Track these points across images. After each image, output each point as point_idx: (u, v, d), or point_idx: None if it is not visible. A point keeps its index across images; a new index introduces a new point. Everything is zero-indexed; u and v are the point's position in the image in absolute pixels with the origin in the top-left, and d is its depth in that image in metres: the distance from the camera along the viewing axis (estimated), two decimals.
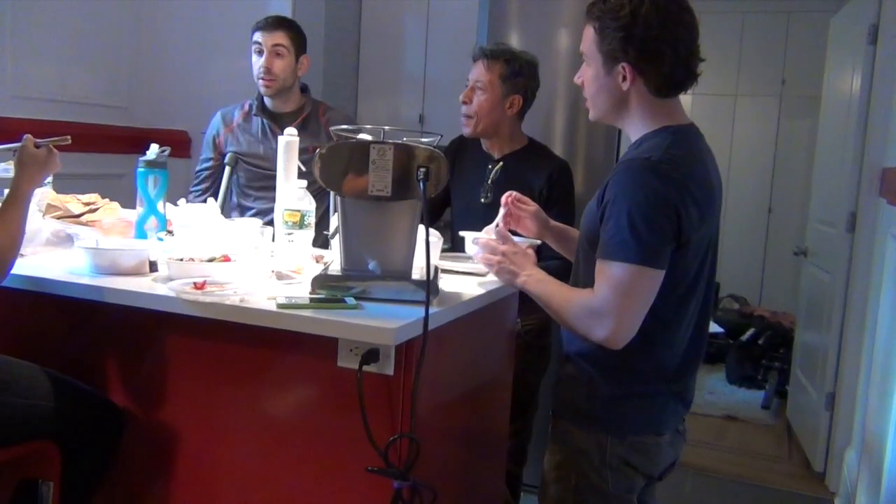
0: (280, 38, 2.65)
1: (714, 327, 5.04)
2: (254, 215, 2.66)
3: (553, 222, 1.85)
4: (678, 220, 1.40)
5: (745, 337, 5.14)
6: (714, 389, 4.75)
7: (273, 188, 2.02)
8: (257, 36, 2.66)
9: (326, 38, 3.88)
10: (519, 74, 2.38)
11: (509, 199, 1.80)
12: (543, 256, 2.21)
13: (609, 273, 1.41)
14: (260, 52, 2.65)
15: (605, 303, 1.41)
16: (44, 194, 2.04)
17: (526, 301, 2.15)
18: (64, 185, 2.23)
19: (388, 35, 4.12)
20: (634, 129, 1.54)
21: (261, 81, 2.65)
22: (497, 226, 1.75)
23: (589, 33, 1.51)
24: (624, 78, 1.47)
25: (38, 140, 1.68)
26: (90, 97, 3.54)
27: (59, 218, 2.04)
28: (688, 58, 1.48)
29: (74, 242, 1.83)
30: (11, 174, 1.73)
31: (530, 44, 3.29)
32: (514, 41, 3.39)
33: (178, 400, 1.64)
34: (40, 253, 1.87)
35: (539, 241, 1.83)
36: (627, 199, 1.41)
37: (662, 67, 1.46)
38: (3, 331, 1.74)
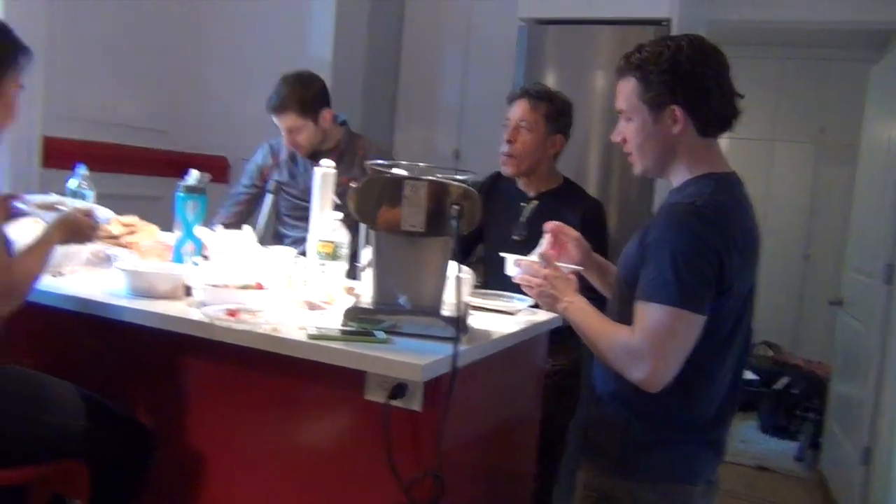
0: (291, 119, 2.61)
1: (748, 374, 4.95)
2: (291, 243, 2.69)
3: (595, 254, 1.85)
4: (720, 266, 1.40)
5: (778, 385, 5.04)
6: (746, 438, 4.65)
7: (308, 221, 2.04)
8: (273, 118, 2.64)
9: (366, 68, 3.94)
10: (562, 114, 2.41)
11: (553, 226, 1.80)
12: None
13: (648, 314, 1.40)
14: (282, 131, 2.67)
15: (644, 344, 1.40)
16: None
17: (556, 341, 2.15)
18: (105, 204, 2.27)
19: (427, 68, 4.17)
20: (679, 174, 1.54)
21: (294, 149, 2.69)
22: (541, 250, 1.75)
23: (628, 86, 1.52)
24: (674, 121, 1.48)
25: (96, 215, 1.74)
26: (133, 120, 3.62)
27: (99, 239, 2.08)
28: (731, 93, 1.50)
29: (113, 263, 1.87)
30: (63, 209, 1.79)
31: (566, 81, 3.32)
32: (550, 79, 3.42)
33: (206, 424, 1.66)
34: (80, 272, 1.91)
35: (581, 268, 1.82)
36: (671, 242, 1.40)
37: (711, 104, 1.47)
38: (40, 348, 1.77)
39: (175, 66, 3.81)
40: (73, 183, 2.21)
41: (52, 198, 1.97)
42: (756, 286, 1.55)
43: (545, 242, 1.78)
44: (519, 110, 2.42)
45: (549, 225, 1.80)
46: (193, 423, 1.66)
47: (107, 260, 1.93)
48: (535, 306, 2.07)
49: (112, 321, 1.62)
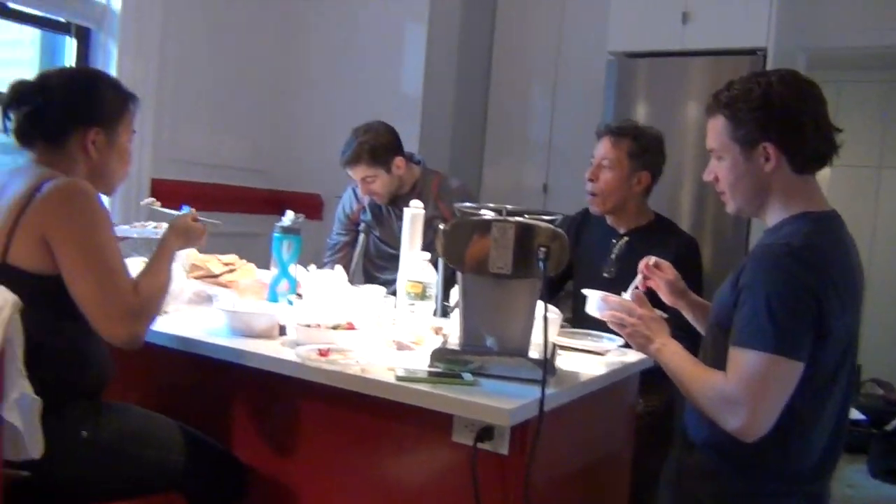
0: (363, 170, 2.70)
1: (856, 414, 4.68)
2: (381, 283, 2.75)
3: (691, 293, 1.80)
4: (818, 309, 1.34)
5: (890, 426, 4.74)
6: (854, 482, 4.38)
7: (394, 263, 2.08)
8: (346, 170, 2.74)
9: (455, 104, 4.00)
10: (646, 151, 2.37)
11: (647, 264, 1.78)
12: None
13: (743, 361, 1.36)
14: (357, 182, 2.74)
15: (739, 392, 1.35)
16: (188, 255, 2.19)
17: (648, 381, 2.10)
18: (208, 242, 2.38)
19: (515, 103, 4.19)
20: (773, 214, 1.49)
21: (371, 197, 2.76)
22: (635, 289, 1.72)
23: (718, 124, 1.49)
24: (767, 159, 1.44)
25: (197, 215, 1.82)
26: (234, 161, 3.79)
27: (200, 278, 2.18)
28: (827, 128, 1.45)
29: (213, 303, 1.95)
30: (159, 235, 1.88)
31: (657, 115, 3.28)
32: (641, 112, 3.39)
33: (298, 460, 1.70)
34: (183, 311, 2.00)
35: (668, 315, 1.77)
36: (765, 285, 1.36)
37: (806, 141, 1.43)
38: (142, 384, 1.86)
39: (272, 109, 3.97)
40: None
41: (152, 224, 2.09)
42: (860, 325, 1.48)
43: (638, 281, 1.75)
44: (602, 148, 2.40)
45: (644, 262, 1.77)
46: (286, 459, 1.71)
47: (208, 299, 2.01)
48: (626, 346, 2.04)
49: (211, 359, 1.69)
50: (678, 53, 3.33)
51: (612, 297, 1.67)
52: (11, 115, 1.61)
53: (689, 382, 1.46)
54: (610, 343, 1.96)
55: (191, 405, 1.81)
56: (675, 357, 1.51)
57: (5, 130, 1.62)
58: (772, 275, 1.37)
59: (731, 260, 2.98)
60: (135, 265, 1.70)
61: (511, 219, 1.54)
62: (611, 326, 1.66)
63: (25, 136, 1.62)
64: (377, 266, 2.85)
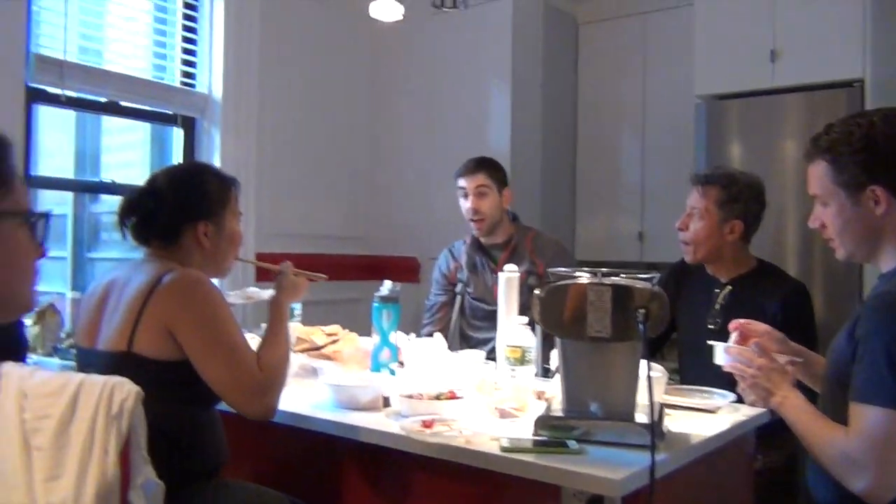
0: (481, 179, 2.78)
1: None
2: (476, 345, 2.76)
3: (792, 343, 1.73)
4: None
5: None
6: None
7: (491, 320, 2.09)
8: (461, 181, 2.81)
9: (543, 157, 4.02)
10: (736, 200, 2.28)
11: (736, 325, 1.72)
12: None
13: (865, 418, 1.29)
14: (465, 196, 2.79)
15: (862, 452, 1.28)
16: (293, 329, 2.26)
17: (767, 434, 2.00)
18: (311, 310, 2.47)
19: (605, 152, 4.17)
20: (887, 259, 1.42)
21: (472, 224, 2.79)
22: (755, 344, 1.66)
23: (818, 170, 1.45)
24: (876, 202, 1.39)
25: (297, 269, 1.90)
26: (332, 230, 3.92)
27: (304, 350, 2.24)
28: None
29: (319, 376, 2.00)
30: (263, 295, 1.96)
31: (752, 156, 3.19)
32: (734, 154, 3.30)
33: None
34: (290, 384, 2.06)
35: (801, 359, 1.70)
36: (883, 336, 1.30)
37: None
38: (254, 460, 1.92)
39: (365, 177, 4.10)
40: None
41: (249, 289, 2.19)
42: None
43: (732, 340, 1.69)
44: (692, 197, 2.36)
45: (733, 324, 1.72)
46: None
47: (313, 372, 2.07)
48: (739, 401, 1.96)
49: (319, 432, 1.73)
50: (770, 92, 3.25)
51: (734, 348, 1.62)
52: (127, 223, 1.74)
53: (812, 440, 1.40)
54: (721, 399, 1.89)
55: (299, 477, 1.85)
56: (795, 412, 1.45)
57: (123, 237, 1.75)
58: (889, 325, 1.30)
59: (845, 307, 2.83)
60: (252, 341, 1.78)
61: (607, 281, 1.53)
62: (736, 377, 1.61)
63: (142, 237, 1.74)
64: (473, 326, 2.87)
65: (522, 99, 3.91)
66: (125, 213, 1.74)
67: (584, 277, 1.56)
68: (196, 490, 1.59)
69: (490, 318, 2.51)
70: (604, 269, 1.55)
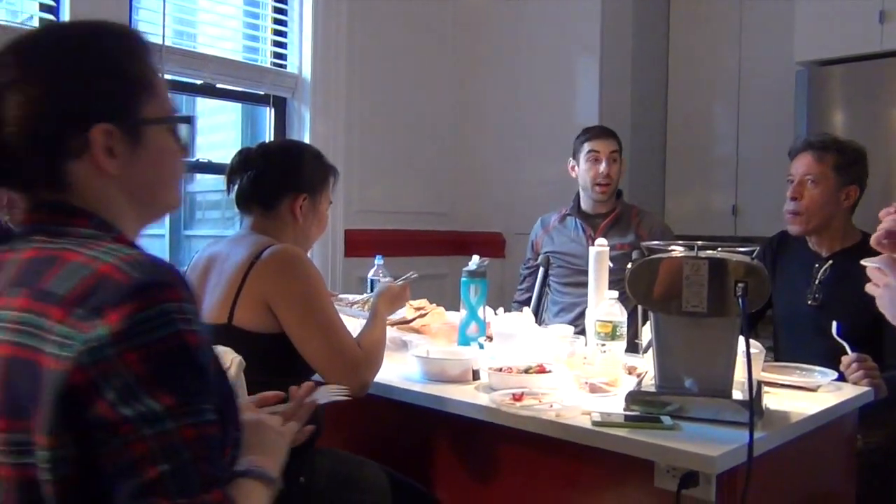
0: (614, 144, 2.83)
1: None
2: (560, 311, 2.78)
3: None
4: None
5: None
6: None
7: (583, 284, 2.10)
8: (594, 145, 2.82)
9: (633, 131, 3.92)
10: (854, 163, 2.20)
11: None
12: (886, 366, 1.97)
13: None
14: (597, 160, 2.80)
15: None
16: None
17: (868, 414, 1.92)
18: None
19: (697, 124, 4.04)
20: None
21: (597, 187, 2.80)
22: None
23: None
24: None
25: (396, 280, 2.00)
26: (419, 207, 3.95)
27: (394, 325, 2.28)
28: None
29: (409, 349, 2.03)
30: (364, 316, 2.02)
31: (857, 124, 3.04)
32: (838, 122, 3.15)
33: (493, 501, 1.71)
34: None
35: None
36: None
37: None
38: (350, 430, 1.97)
39: (451, 153, 4.11)
40: (371, 272, 2.56)
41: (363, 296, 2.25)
42: None
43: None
44: (803, 164, 2.25)
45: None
46: (483, 501, 1.73)
47: (403, 345, 2.10)
48: (841, 379, 1.88)
49: (410, 404, 1.76)
50: (877, 56, 3.07)
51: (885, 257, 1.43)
52: (236, 181, 1.82)
53: None
54: (822, 378, 1.82)
55: (390, 447, 1.89)
56: None
57: (229, 193, 1.83)
58: None
59: None
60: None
61: (703, 254, 1.49)
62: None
63: (245, 199, 1.82)
64: (558, 292, 2.90)
65: (611, 72, 3.82)
66: (236, 171, 1.82)
67: (678, 251, 1.52)
68: (295, 457, 1.64)
69: (581, 285, 2.54)
70: (699, 243, 1.51)
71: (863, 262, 1.49)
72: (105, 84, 0.93)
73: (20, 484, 0.80)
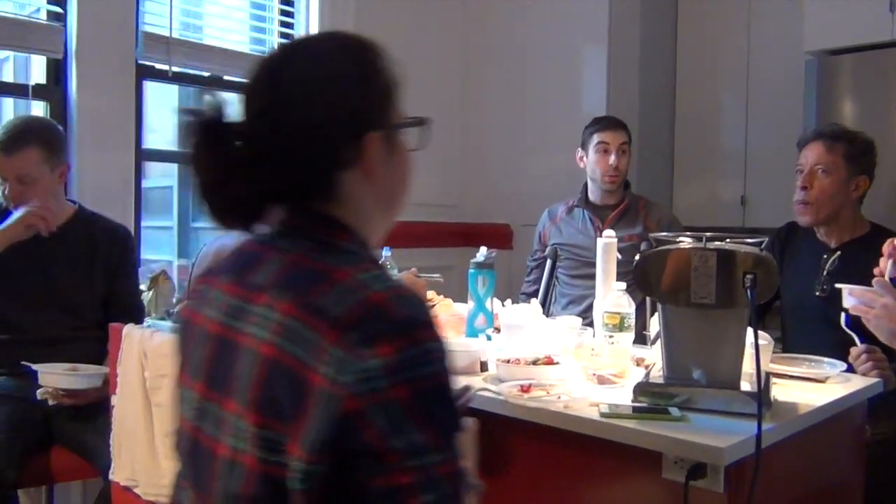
0: (624, 136, 2.83)
1: None
2: (568, 303, 2.77)
3: None
4: None
5: None
6: None
7: (592, 276, 2.10)
8: (604, 136, 2.82)
9: (640, 121, 3.90)
10: (864, 153, 2.20)
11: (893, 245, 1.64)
12: (894, 358, 1.97)
13: None
14: (606, 152, 2.79)
15: None
16: None
17: (877, 405, 1.92)
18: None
19: (705, 114, 4.02)
20: None
21: (607, 178, 2.79)
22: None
23: None
24: None
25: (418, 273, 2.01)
26: (426, 198, 3.94)
27: None
28: None
29: None
30: None
31: (867, 115, 3.02)
32: (848, 114, 3.13)
33: (502, 494, 1.71)
34: None
35: None
36: None
37: None
38: None
39: (458, 144, 4.10)
40: None
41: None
42: None
43: (890, 266, 1.61)
44: (813, 154, 2.25)
45: (888, 245, 1.63)
46: (489, 492, 1.73)
47: None
48: (849, 370, 1.88)
49: None
50: (889, 45, 3.04)
51: (858, 289, 1.56)
52: None
53: None
54: (831, 369, 1.82)
55: None
56: None
57: None
58: None
59: None
60: None
61: (711, 245, 1.48)
62: (862, 320, 1.55)
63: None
64: (566, 284, 2.90)
65: (619, 63, 3.80)
66: None
67: (687, 242, 1.52)
68: None
69: (589, 277, 2.54)
70: (708, 234, 1.51)
71: (844, 291, 1.57)
72: (370, 93, 0.98)
73: (264, 478, 0.84)
